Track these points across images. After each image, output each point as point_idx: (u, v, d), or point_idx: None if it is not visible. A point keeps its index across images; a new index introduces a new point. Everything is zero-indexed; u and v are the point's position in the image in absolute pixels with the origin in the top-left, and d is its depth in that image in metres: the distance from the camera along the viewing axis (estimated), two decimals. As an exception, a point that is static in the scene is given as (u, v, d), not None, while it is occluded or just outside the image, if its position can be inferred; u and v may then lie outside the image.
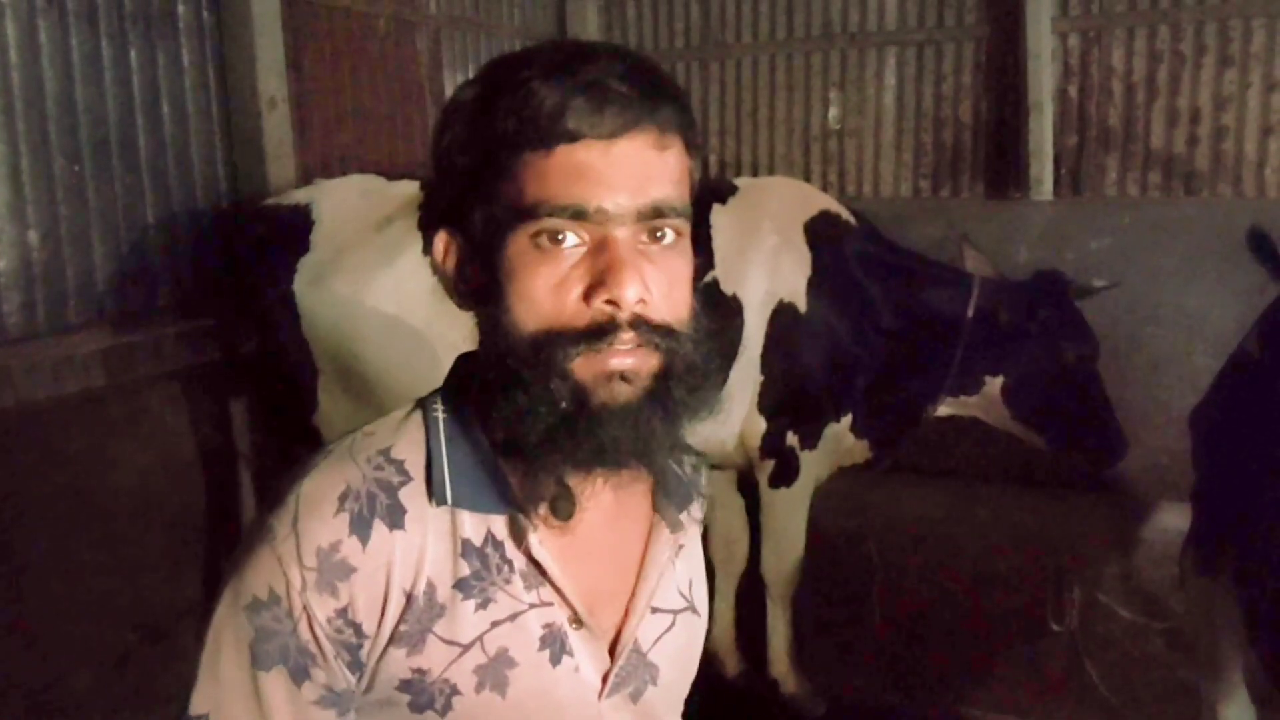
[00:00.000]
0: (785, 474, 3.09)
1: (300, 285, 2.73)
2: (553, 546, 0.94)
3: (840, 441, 3.15)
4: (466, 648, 0.91)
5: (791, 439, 3.06)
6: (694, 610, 1.07)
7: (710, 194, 3.06)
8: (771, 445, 3.06)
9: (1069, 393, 3.12)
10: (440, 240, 0.94)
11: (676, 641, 1.04)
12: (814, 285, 2.99)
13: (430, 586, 0.90)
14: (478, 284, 0.92)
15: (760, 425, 3.02)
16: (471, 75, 0.95)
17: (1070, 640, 3.28)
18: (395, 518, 0.90)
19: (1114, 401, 3.16)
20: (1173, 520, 3.13)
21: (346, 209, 2.82)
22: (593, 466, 0.89)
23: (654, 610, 1.01)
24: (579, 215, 0.85)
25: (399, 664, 0.90)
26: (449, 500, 0.91)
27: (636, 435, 0.87)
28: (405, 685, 0.91)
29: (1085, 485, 3.71)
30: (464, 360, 1.00)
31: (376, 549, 0.89)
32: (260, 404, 3.01)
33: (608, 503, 0.95)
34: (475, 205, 0.90)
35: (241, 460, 3.03)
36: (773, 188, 3.27)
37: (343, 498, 0.89)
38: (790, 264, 2.99)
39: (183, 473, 3.02)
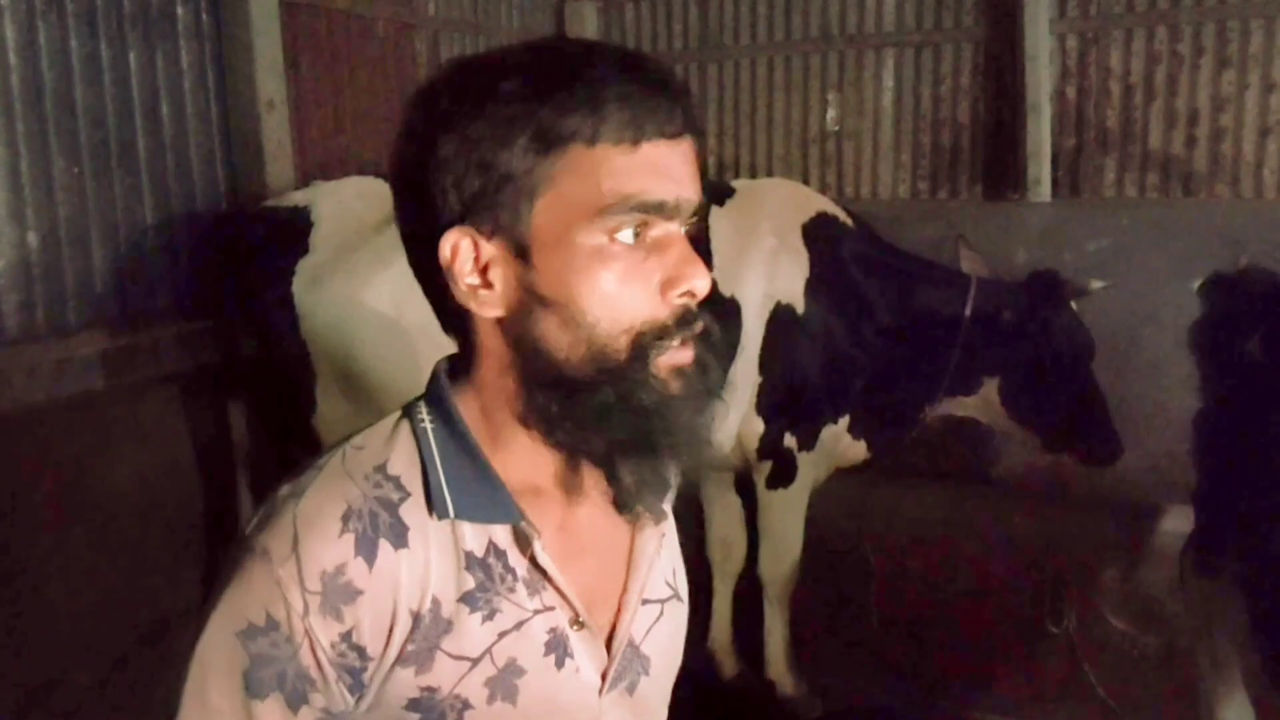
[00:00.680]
0: (783, 475, 3.09)
1: (299, 287, 2.72)
2: (553, 549, 0.93)
3: (838, 443, 3.16)
4: (476, 661, 0.90)
5: (789, 440, 3.06)
6: (679, 598, 1.08)
7: (708, 196, 3.06)
8: (769, 446, 3.06)
9: (1065, 393, 3.13)
10: (451, 240, 0.87)
11: (665, 630, 1.04)
12: (812, 287, 3.00)
13: (436, 603, 0.88)
14: (519, 285, 0.87)
15: (758, 426, 3.03)
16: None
17: (1068, 642, 3.28)
18: (399, 536, 0.87)
19: (1113, 402, 3.17)
20: (1171, 522, 3.13)
21: (345, 211, 2.82)
22: (662, 457, 0.90)
23: (644, 602, 1.01)
24: (661, 210, 0.86)
25: (407, 684, 0.88)
26: (450, 513, 0.89)
27: (697, 424, 0.89)
28: (414, 704, 0.89)
29: (1084, 489, 3.71)
30: (448, 365, 0.98)
31: (383, 570, 0.86)
32: (259, 406, 3.01)
33: (596, 497, 0.96)
34: (519, 201, 0.85)
35: (240, 462, 3.03)
36: (770, 190, 3.27)
37: (345, 518, 0.86)
38: (788, 266, 2.99)
39: (182, 474, 3.01)
